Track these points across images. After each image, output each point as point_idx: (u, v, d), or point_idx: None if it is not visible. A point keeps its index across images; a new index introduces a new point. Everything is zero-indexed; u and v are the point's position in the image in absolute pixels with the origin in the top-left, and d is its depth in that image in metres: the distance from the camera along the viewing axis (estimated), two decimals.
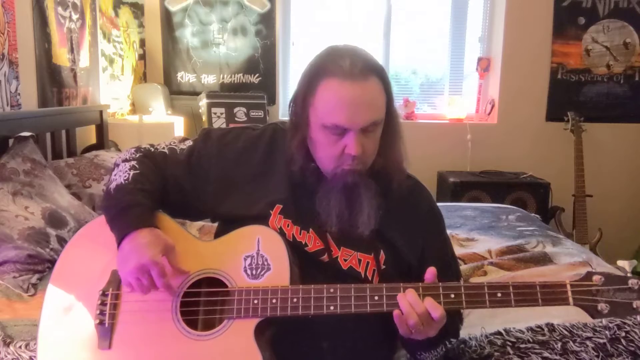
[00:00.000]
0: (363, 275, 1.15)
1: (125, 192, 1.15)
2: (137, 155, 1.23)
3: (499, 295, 1.00)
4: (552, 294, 0.99)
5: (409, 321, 1.00)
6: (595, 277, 0.99)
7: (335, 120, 1.07)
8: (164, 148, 1.26)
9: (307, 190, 1.16)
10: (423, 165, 3.34)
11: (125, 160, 1.22)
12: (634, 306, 0.96)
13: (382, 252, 1.16)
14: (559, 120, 3.68)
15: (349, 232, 1.14)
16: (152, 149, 1.26)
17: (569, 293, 0.99)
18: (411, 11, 3.91)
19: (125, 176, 1.17)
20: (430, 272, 1.03)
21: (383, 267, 1.16)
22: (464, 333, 1.33)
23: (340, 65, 1.07)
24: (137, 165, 1.19)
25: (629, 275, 1.00)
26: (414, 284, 1.02)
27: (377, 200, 1.14)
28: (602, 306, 0.97)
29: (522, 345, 1.28)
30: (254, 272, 1.09)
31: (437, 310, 0.99)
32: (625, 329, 1.31)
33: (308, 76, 1.12)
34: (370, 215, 1.13)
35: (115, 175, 1.19)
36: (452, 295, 1.01)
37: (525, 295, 1.00)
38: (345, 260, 1.15)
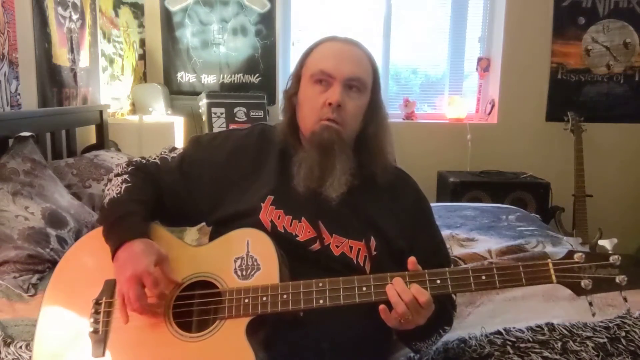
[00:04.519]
0: (355, 262, 1.17)
1: (118, 204, 1.18)
2: (129, 169, 1.26)
3: (484, 277, 1.02)
4: (535, 273, 1.01)
5: (397, 310, 1.01)
6: (577, 255, 1.01)
7: (322, 66, 1.19)
8: (155, 159, 1.29)
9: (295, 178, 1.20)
10: (423, 165, 3.36)
11: (117, 175, 1.25)
12: (617, 281, 0.98)
13: (372, 238, 1.18)
14: (559, 120, 3.68)
15: (315, 195, 1.17)
16: (144, 161, 1.29)
17: (552, 271, 1.00)
18: (411, 11, 3.91)
19: (117, 190, 1.20)
20: (411, 262, 1.05)
21: (374, 253, 1.18)
22: (464, 333, 1.33)
23: (336, 36, 1.25)
24: (128, 179, 1.22)
25: (610, 252, 1.01)
26: (400, 273, 1.04)
27: (351, 170, 1.18)
28: (585, 282, 0.99)
29: (522, 345, 1.28)
30: (244, 272, 1.10)
31: (423, 296, 1.00)
32: (625, 329, 1.31)
33: (306, 49, 1.27)
34: (341, 180, 1.17)
35: (108, 190, 1.22)
36: (438, 281, 1.03)
37: (509, 275, 1.02)
38: (337, 247, 1.17)
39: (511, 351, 1.27)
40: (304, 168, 1.18)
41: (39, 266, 1.62)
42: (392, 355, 1.31)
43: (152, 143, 2.91)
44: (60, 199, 1.92)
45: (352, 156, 1.21)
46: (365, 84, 1.20)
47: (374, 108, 1.23)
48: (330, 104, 1.16)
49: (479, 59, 3.86)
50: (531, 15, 3.69)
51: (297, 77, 1.25)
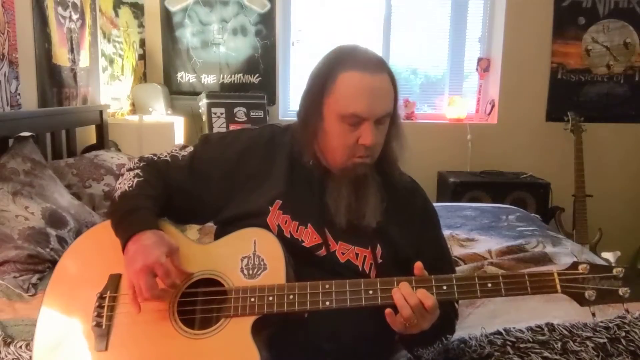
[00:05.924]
0: (360, 269, 1.17)
1: (129, 198, 1.18)
2: (141, 164, 1.26)
3: (490, 285, 1.02)
4: (540, 282, 1.02)
5: (403, 313, 1.01)
6: (582, 266, 1.02)
7: (354, 109, 1.12)
8: (166, 156, 1.29)
9: (307, 184, 1.20)
10: (423, 165, 3.35)
11: (130, 170, 1.25)
12: (620, 293, 0.99)
13: (379, 246, 1.19)
14: (559, 120, 3.68)
15: (356, 225, 1.17)
16: (155, 158, 1.29)
17: (557, 281, 1.02)
18: (411, 11, 3.91)
19: (129, 184, 1.20)
20: (418, 267, 1.05)
21: (380, 260, 1.18)
22: (464, 333, 1.33)
23: (357, 59, 1.15)
24: (141, 174, 1.23)
25: (613, 265, 1.02)
26: (407, 278, 1.04)
27: (380, 193, 1.20)
28: (589, 293, 1.00)
29: (522, 345, 1.28)
30: (250, 272, 1.10)
31: (429, 300, 1.01)
32: (625, 329, 1.31)
33: (324, 70, 1.16)
34: (376, 207, 1.18)
35: (120, 184, 1.23)
36: (445, 287, 1.03)
37: (515, 284, 1.03)
38: (343, 253, 1.17)
39: (511, 351, 1.27)
40: (343, 201, 1.17)
41: (39, 266, 1.62)
42: (392, 356, 1.31)
43: (152, 143, 2.92)
44: (60, 199, 1.93)
45: (377, 175, 1.21)
46: (390, 113, 1.19)
47: (392, 123, 1.22)
48: (364, 144, 1.14)
49: (479, 59, 3.86)
50: (531, 15, 3.69)
51: (318, 102, 1.16)
